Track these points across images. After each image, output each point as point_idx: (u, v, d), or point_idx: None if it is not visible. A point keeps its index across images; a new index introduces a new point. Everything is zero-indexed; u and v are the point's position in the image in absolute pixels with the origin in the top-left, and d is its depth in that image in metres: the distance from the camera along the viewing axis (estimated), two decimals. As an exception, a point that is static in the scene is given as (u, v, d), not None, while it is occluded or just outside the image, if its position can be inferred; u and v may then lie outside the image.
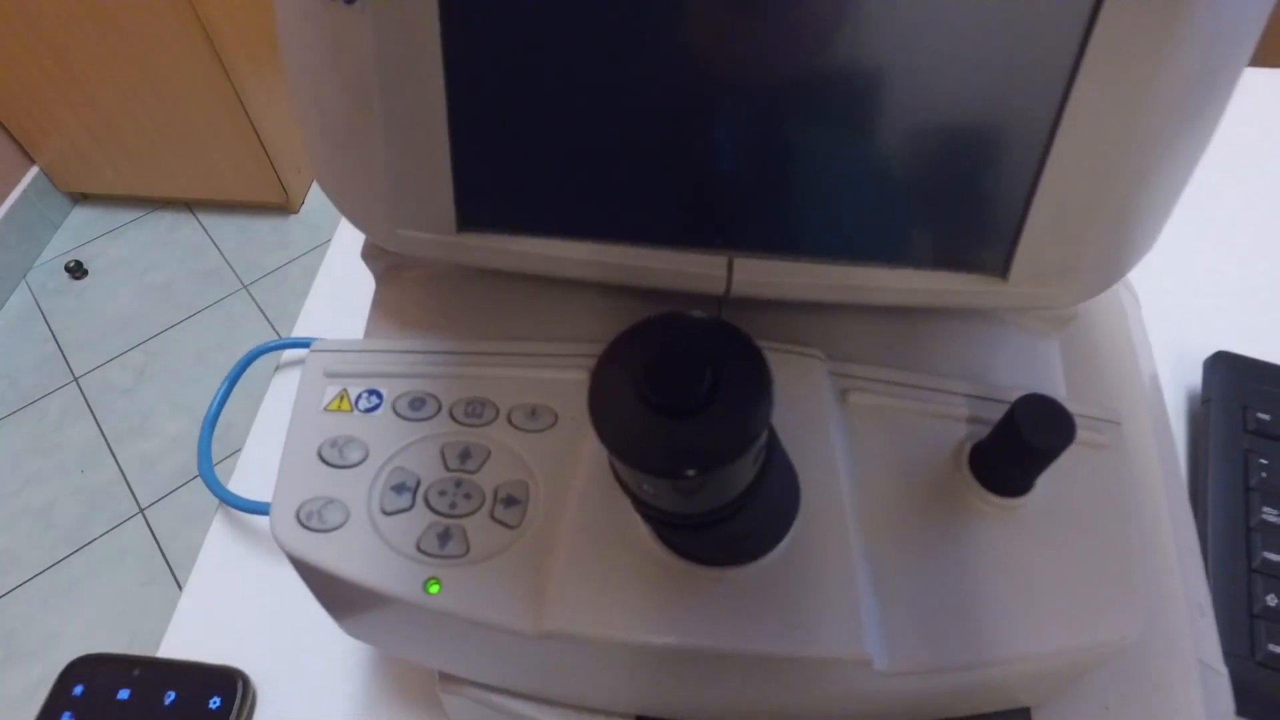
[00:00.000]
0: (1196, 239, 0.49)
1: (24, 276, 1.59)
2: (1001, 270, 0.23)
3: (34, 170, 1.60)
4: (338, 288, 0.49)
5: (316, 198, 1.72)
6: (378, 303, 0.29)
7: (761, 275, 0.23)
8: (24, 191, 1.57)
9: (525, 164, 0.22)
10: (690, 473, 0.14)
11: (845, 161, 0.22)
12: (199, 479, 1.31)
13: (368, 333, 0.28)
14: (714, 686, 0.21)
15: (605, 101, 0.21)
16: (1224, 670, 0.27)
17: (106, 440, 1.38)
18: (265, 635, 0.36)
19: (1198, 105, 0.21)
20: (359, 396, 0.24)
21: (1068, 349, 0.30)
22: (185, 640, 0.36)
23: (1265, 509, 0.35)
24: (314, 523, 0.22)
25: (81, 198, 1.72)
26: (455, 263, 0.24)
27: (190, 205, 1.71)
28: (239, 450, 0.42)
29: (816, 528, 0.21)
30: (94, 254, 1.63)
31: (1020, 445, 0.21)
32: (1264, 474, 0.36)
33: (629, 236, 0.23)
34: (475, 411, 0.23)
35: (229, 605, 0.37)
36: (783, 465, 0.20)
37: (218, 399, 0.39)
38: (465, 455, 0.23)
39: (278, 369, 0.45)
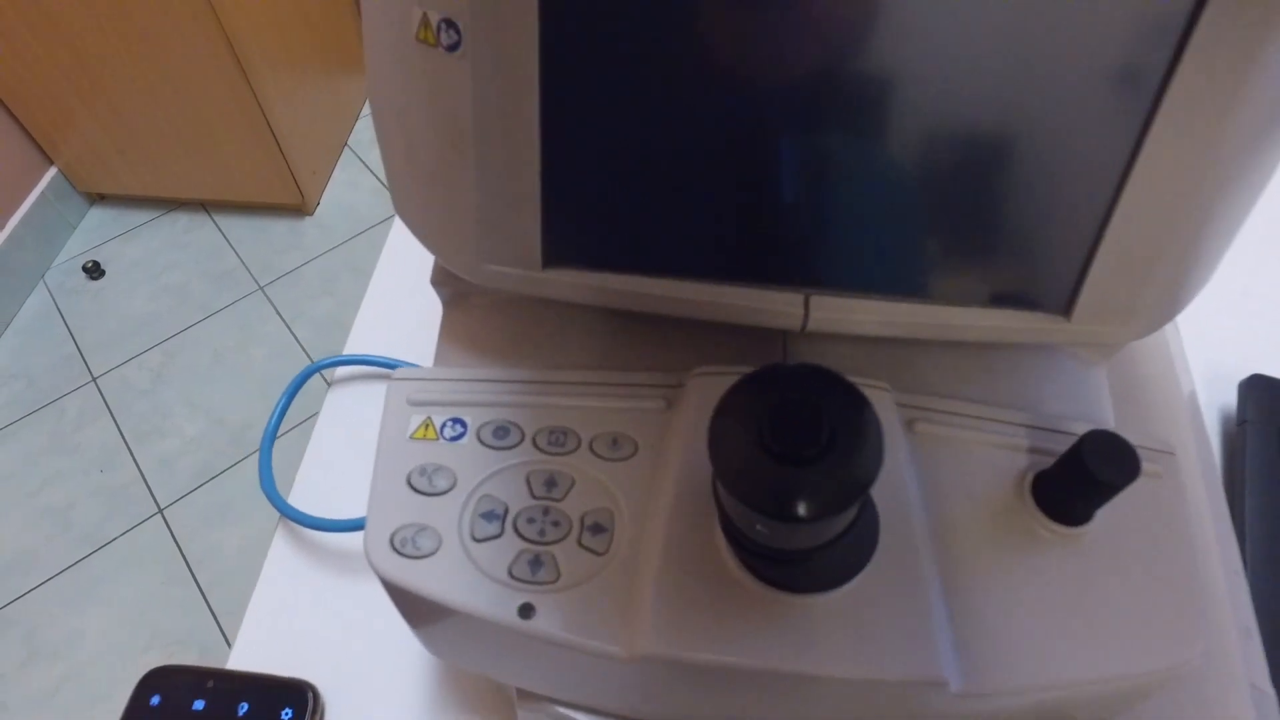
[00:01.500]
0: (1232, 259, 0.49)
1: (42, 277, 1.60)
2: (1065, 309, 0.24)
3: (52, 171, 1.61)
4: (387, 305, 0.50)
5: (331, 200, 1.73)
6: (447, 328, 0.30)
7: (837, 312, 0.24)
8: (42, 192, 1.59)
9: (611, 204, 0.23)
10: (810, 518, 0.15)
11: (919, 203, 0.23)
12: (218, 480, 1.33)
13: (438, 358, 0.29)
14: (795, 707, 0.22)
15: (689, 145, 0.22)
16: (1272, 691, 0.28)
17: (125, 440, 1.39)
18: (329, 648, 0.37)
19: (1265, 150, 0.22)
20: (444, 425, 0.25)
21: (1112, 373, 0.31)
22: (252, 653, 0.37)
23: (1303, 530, 0.36)
24: (408, 549, 0.23)
25: (99, 199, 1.73)
26: (537, 296, 0.25)
27: (206, 206, 1.72)
28: (254, 452, 0.43)
29: (892, 555, 0.22)
30: (111, 255, 1.64)
31: (1086, 479, 0.22)
32: (1301, 496, 0.36)
33: (710, 274, 0.24)
34: (558, 440, 0.24)
35: (293, 618, 0.38)
36: (869, 500, 0.21)
37: (275, 415, 0.40)
38: (551, 483, 0.24)
39: (331, 385, 0.46)
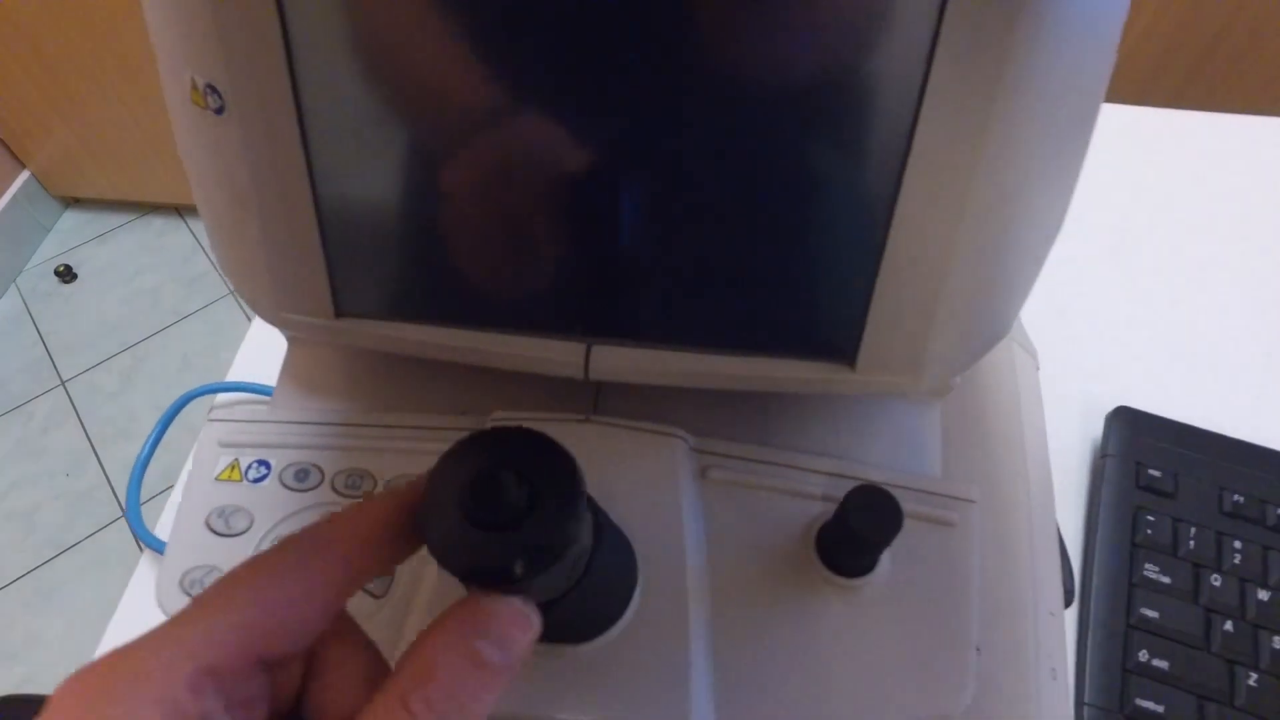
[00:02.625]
0: (1111, 287, 0.50)
1: (14, 280, 1.61)
2: (850, 359, 0.25)
3: (25, 175, 1.62)
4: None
5: (305, 204, 1.74)
6: (286, 366, 0.31)
7: (618, 361, 0.24)
8: (14, 195, 1.59)
9: (391, 256, 0.24)
10: (514, 576, 0.16)
11: (694, 253, 0.23)
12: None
13: (275, 397, 0.30)
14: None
15: (461, 200, 0.22)
16: None
17: (92, 444, 1.40)
18: None
19: (1031, 199, 0.22)
20: (249, 466, 0.26)
21: (951, 410, 0.32)
22: None
23: (1148, 565, 0.36)
24: (195, 590, 0.23)
25: (72, 202, 1.73)
26: (336, 344, 0.26)
27: (179, 210, 1.73)
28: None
29: (657, 606, 0.23)
30: (84, 258, 1.65)
31: (850, 534, 0.22)
32: (1149, 530, 0.37)
33: (492, 324, 0.24)
34: (354, 483, 0.25)
35: None
36: (613, 551, 0.21)
37: (149, 444, 0.41)
38: (340, 527, 0.24)
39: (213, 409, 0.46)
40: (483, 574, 0.17)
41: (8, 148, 1.57)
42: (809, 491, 0.26)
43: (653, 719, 0.21)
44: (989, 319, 0.25)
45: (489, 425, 0.26)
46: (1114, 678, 0.34)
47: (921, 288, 0.23)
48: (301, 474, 0.25)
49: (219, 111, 0.21)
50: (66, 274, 1.60)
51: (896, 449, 0.29)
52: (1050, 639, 0.32)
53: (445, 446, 0.26)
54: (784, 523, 0.25)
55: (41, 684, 1.16)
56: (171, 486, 1.31)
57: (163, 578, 0.24)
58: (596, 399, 0.28)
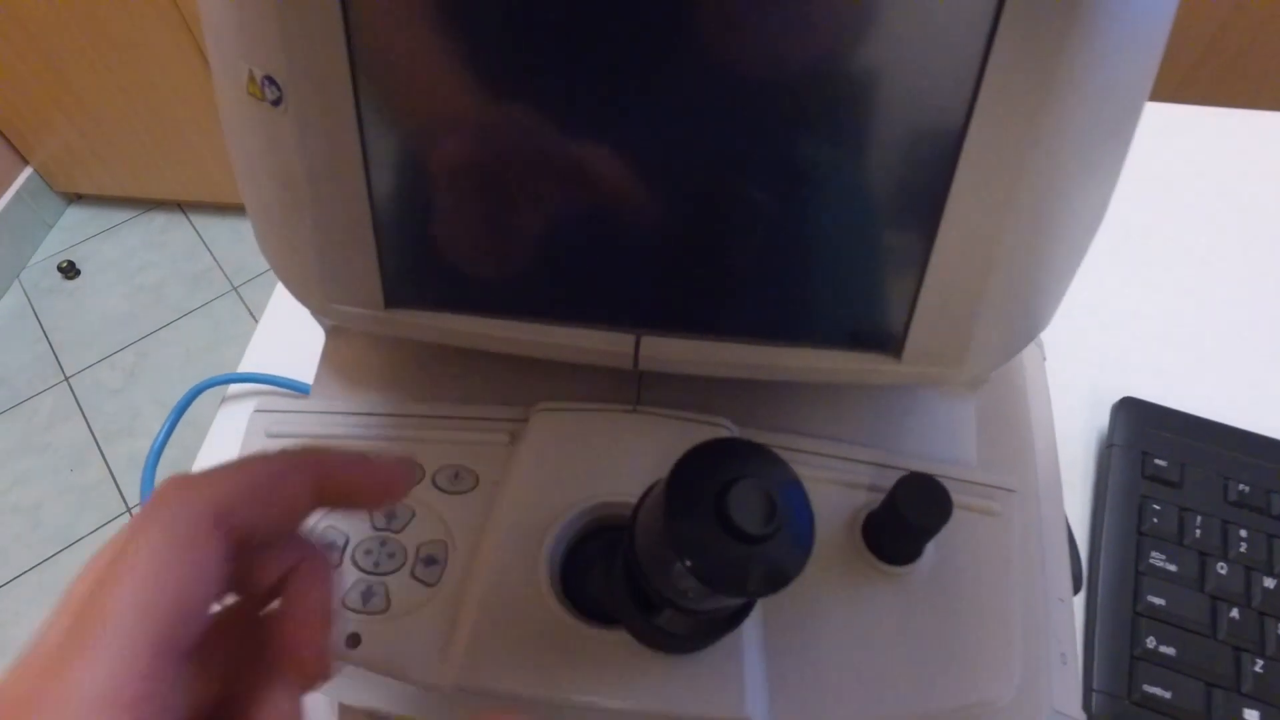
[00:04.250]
0: (1118, 279, 0.50)
1: (17, 276, 1.61)
2: (896, 350, 0.25)
3: (28, 171, 1.62)
4: (287, 321, 0.50)
5: (308, 200, 1.73)
6: (326, 358, 0.31)
7: (667, 353, 0.25)
8: (18, 191, 1.59)
9: (444, 248, 0.24)
10: (763, 592, 0.16)
11: (745, 246, 0.24)
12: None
13: (315, 387, 0.30)
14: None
15: (514, 190, 0.23)
16: (1082, 716, 0.29)
17: (96, 440, 1.40)
18: None
19: (1071, 195, 0.23)
20: (296, 456, 0.26)
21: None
22: None
23: (1154, 554, 0.37)
24: (247, 579, 0.24)
25: (75, 198, 1.73)
26: (385, 334, 0.26)
27: (183, 206, 1.73)
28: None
29: (708, 592, 0.23)
30: (87, 254, 1.65)
31: (901, 522, 0.23)
32: (1156, 519, 0.37)
33: (543, 315, 0.24)
34: (402, 474, 0.25)
35: None
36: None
37: (162, 434, 0.41)
38: (391, 515, 0.24)
39: (224, 402, 0.46)
40: (726, 583, 0.17)
41: (10, 143, 1.57)
42: (854, 481, 0.26)
43: (708, 704, 0.21)
44: (1034, 310, 0.26)
45: (534, 415, 0.26)
46: (1122, 664, 0.34)
47: (970, 281, 0.24)
48: (350, 464, 0.25)
49: (276, 103, 0.21)
50: (69, 270, 1.59)
51: (934, 440, 0.29)
52: (1060, 625, 0.32)
53: (492, 437, 0.26)
54: (830, 512, 0.25)
55: (48, 680, 1.16)
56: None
57: (215, 567, 0.24)
58: (639, 390, 0.28)
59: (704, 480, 0.17)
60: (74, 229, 1.69)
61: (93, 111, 1.49)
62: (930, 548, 0.25)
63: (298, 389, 0.45)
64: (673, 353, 0.24)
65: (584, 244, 0.23)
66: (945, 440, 0.30)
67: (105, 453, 1.38)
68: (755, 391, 0.28)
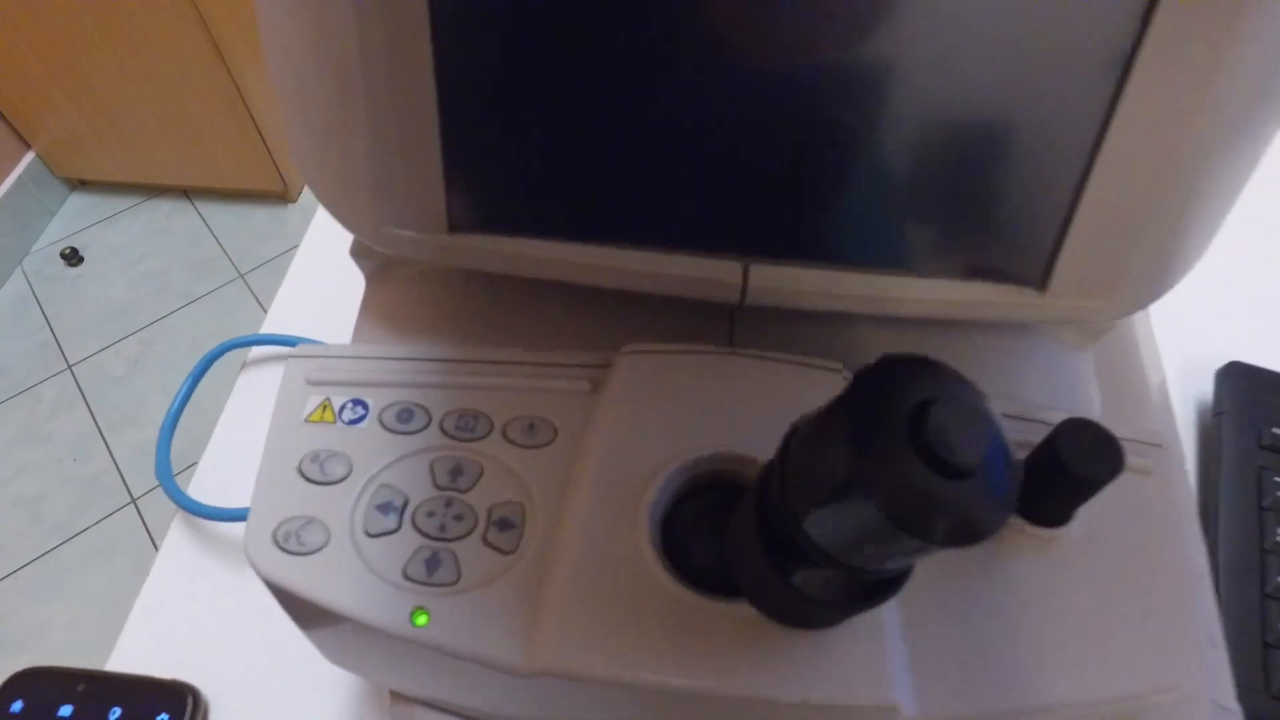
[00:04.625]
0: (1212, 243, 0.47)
1: (19, 263, 1.57)
2: (1039, 282, 0.22)
3: (30, 156, 1.58)
4: (314, 282, 0.47)
5: (315, 187, 1.70)
6: (367, 303, 0.27)
7: (780, 283, 0.21)
8: (20, 177, 1.55)
9: (524, 160, 0.20)
10: (981, 537, 0.13)
11: (871, 161, 0.20)
12: (192, 470, 1.30)
13: (356, 335, 0.27)
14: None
15: (612, 94, 0.19)
16: (1236, 707, 0.26)
17: (99, 429, 1.36)
18: (220, 648, 0.34)
19: (1257, 112, 0.19)
20: (343, 407, 0.22)
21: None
22: (136, 652, 0.34)
23: (1279, 530, 0.33)
24: (292, 544, 0.20)
25: (78, 184, 1.69)
26: (447, 265, 0.22)
27: (187, 193, 1.69)
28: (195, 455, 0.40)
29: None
30: (90, 241, 1.61)
31: (1063, 474, 0.19)
32: (1279, 493, 0.34)
33: (635, 240, 0.21)
34: (468, 425, 0.22)
35: (184, 616, 0.35)
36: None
37: (179, 397, 0.38)
38: (457, 472, 0.21)
39: (244, 366, 0.43)
40: (951, 527, 0.13)
41: (13, 128, 1.53)
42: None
43: (851, 690, 0.18)
44: (1193, 242, 0.22)
45: (620, 359, 0.22)
46: (1254, 653, 0.31)
47: (1133, 204, 0.20)
48: (405, 414, 0.22)
49: (332, -25, 0.18)
50: (72, 257, 1.56)
51: (1058, 392, 0.26)
52: (1203, 605, 0.29)
53: (570, 385, 0.23)
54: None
55: (51, 675, 1.13)
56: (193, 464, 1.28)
57: (253, 530, 0.20)
58: (731, 333, 0.24)
59: (891, 402, 0.13)
60: (77, 215, 1.66)
61: (97, 96, 1.46)
62: (1080, 510, 0.22)
63: (325, 353, 0.42)
64: (787, 283, 0.21)
65: (689, 154, 0.20)
66: (1068, 393, 0.26)
67: (109, 442, 1.35)
68: (859, 333, 0.25)
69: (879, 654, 0.18)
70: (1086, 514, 0.22)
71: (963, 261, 0.21)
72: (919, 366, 0.14)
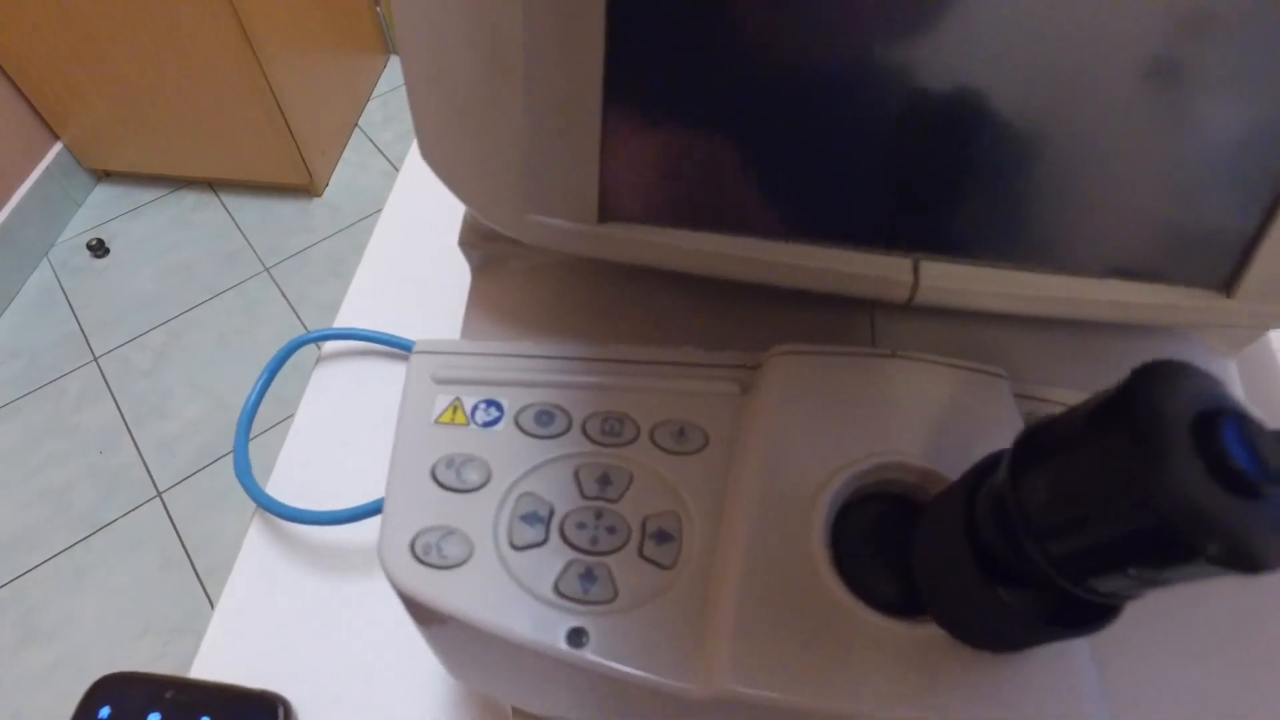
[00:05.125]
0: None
1: (46, 254, 1.57)
2: (1225, 285, 0.20)
3: (58, 146, 1.58)
4: (383, 278, 0.46)
5: (341, 181, 1.69)
6: (476, 297, 0.26)
7: (952, 282, 0.20)
8: (48, 168, 1.55)
9: (689, 146, 0.19)
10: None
11: (1051, 157, 0.19)
12: (218, 464, 1.30)
13: (465, 332, 0.25)
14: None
15: (783, 82, 0.18)
16: None
17: (125, 421, 1.36)
18: (307, 655, 0.33)
19: None
20: (475, 408, 0.21)
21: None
22: (220, 659, 0.33)
23: None
24: (433, 557, 0.19)
25: (105, 175, 1.69)
26: (593, 256, 0.21)
27: (213, 185, 1.68)
28: (256, 436, 0.39)
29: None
30: (116, 232, 1.61)
31: None
32: None
33: (800, 234, 0.20)
34: (613, 429, 0.20)
35: (268, 621, 0.34)
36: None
37: (255, 393, 0.36)
38: (605, 480, 0.20)
39: (318, 361, 0.42)
40: (1246, 553, 0.12)
41: (42, 119, 1.53)
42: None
43: (1055, 712, 0.16)
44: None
45: (770, 360, 0.21)
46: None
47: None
48: (544, 417, 0.21)
49: (501, -60, 0.16)
50: (99, 248, 1.56)
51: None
52: None
53: (719, 387, 0.21)
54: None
55: (76, 664, 1.12)
56: (209, 465, 1.27)
57: (389, 540, 0.19)
58: (873, 335, 0.23)
59: (1170, 408, 0.12)
60: (103, 207, 1.65)
61: (127, 87, 1.45)
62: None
63: (401, 346, 0.40)
64: (961, 282, 0.20)
65: (858, 147, 0.19)
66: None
67: (135, 435, 1.34)
68: (1009, 339, 0.23)
69: (1077, 679, 0.17)
70: None
71: (1146, 262, 0.20)
72: (1192, 374, 0.13)
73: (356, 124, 1.78)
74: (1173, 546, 0.12)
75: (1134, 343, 0.24)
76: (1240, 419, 0.12)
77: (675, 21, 0.17)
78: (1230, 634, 0.19)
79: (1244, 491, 0.12)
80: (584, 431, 0.20)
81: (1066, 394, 0.22)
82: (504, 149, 0.19)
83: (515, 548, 0.19)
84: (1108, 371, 0.23)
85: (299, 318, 1.48)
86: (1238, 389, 0.26)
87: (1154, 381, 0.13)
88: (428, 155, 0.22)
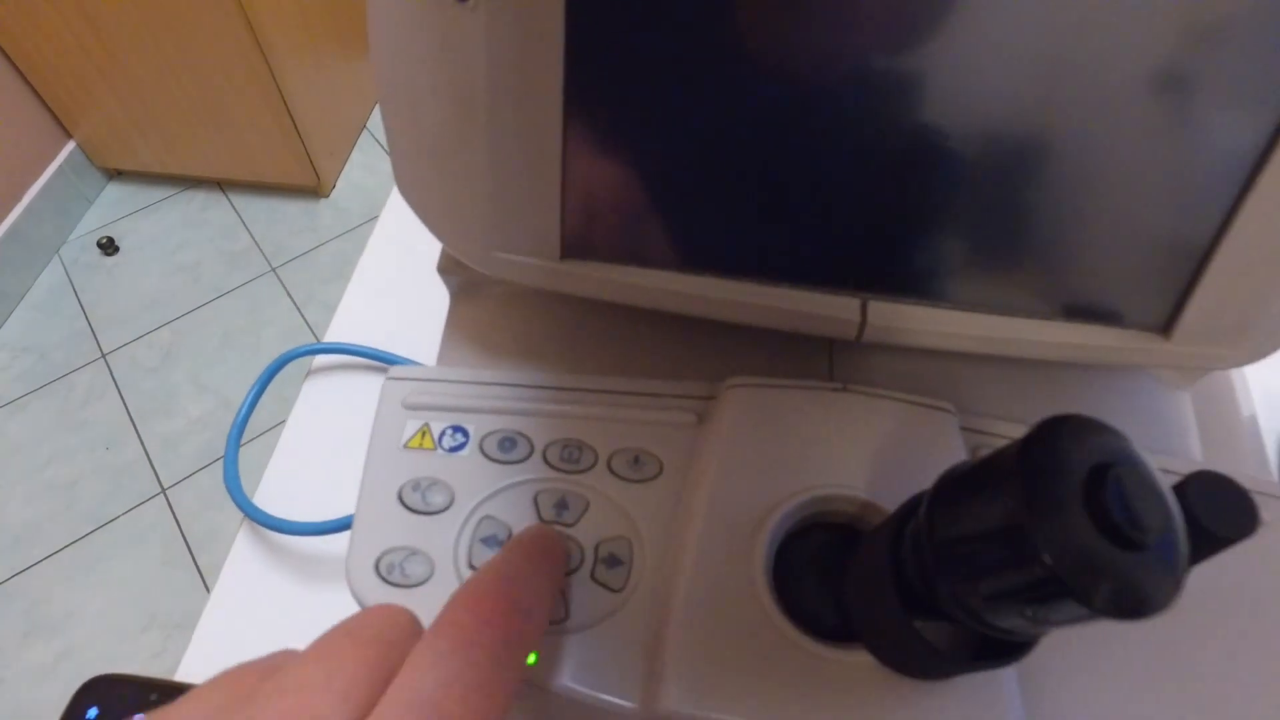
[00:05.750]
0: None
1: (57, 251, 1.59)
2: (1163, 327, 0.21)
3: (70, 145, 1.60)
4: (375, 291, 0.47)
5: (348, 182, 1.71)
6: (453, 323, 0.27)
7: (899, 321, 0.20)
8: (60, 166, 1.57)
9: (646, 188, 0.20)
10: (1152, 612, 0.12)
11: (996, 201, 0.19)
12: (221, 463, 1.31)
13: (441, 356, 0.26)
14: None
15: (738, 126, 0.19)
16: None
17: (131, 418, 1.38)
18: None
19: None
20: (443, 433, 0.22)
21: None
22: (207, 663, 0.34)
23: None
24: (395, 576, 0.20)
25: (116, 174, 1.71)
26: (554, 291, 0.22)
27: (222, 185, 1.70)
28: (259, 435, 0.40)
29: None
30: (126, 231, 1.63)
31: (1196, 532, 0.19)
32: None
33: (752, 273, 0.20)
34: (572, 456, 0.21)
35: (255, 625, 0.35)
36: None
37: (245, 406, 0.38)
38: (562, 505, 0.21)
39: (309, 374, 0.43)
40: (1124, 601, 0.13)
41: (55, 117, 1.55)
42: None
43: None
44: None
45: (725, 392, 0.22)
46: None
47: (1271, 255, 0.19)
48: (507, 443, 0.22)
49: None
50: (109, 246, 1.58)
51: (1159, 436, 0.25)
52: None
53: (675, 417, 0.22)
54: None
55: (80, 659, 1.14)
56: (212, 463, 1.29)
57: (355, 559, 0.20)
58: (830, 368, 0.24)
59: (1069, 463, 0.13)
60: (114, 205, 1.67)
61: (139, 87, 1.47)
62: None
63: (389, 361, 0.42)
64: (906, 322, 0.20)
65: (809, 189, 0.19)
66: (1169, 435, 0.26)
67: (141, 432, 1.36)
68: (963, 373, 0.24)
69: (1002, 707, 0.18)
70: (1201, 568, 0.21)
71: (1087, 305, 0.21)
72: (1093, 429, 0.14)
73: (365, 125, 1.80)
74: (1062, 594, 0.13)
75: (1084, 377, 0.25)
76: (1130, 474, 0.13)
77: (630, 73, 0.18)
78: (1157, 660, 0.20)
79: (1127, 544, 0.13)
80: (544, 458, 0.21)
81: (1016, 428, 0.23)
82: (472, 190, 0.20)
83: (474, 568, 0.20)
84: (1058, 407, 0.24)
85: (304, 318, 1.50)
86: (1189, 421, 0.26)
87: (1054, 436, 0.13)
88: (404, 192, 0.23)
